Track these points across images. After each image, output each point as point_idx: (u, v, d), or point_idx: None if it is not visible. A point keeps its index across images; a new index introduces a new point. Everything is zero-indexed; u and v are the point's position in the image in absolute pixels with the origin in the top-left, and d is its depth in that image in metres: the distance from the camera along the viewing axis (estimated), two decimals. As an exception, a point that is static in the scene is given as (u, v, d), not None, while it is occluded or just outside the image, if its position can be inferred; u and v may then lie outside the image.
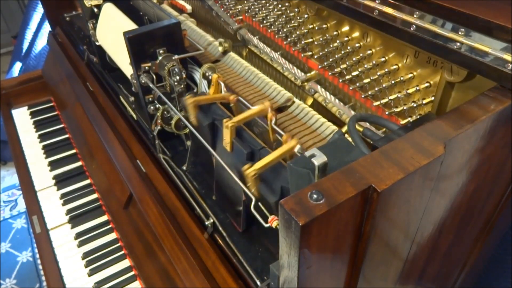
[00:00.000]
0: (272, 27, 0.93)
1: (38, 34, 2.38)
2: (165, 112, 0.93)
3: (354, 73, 0.76)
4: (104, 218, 1.16)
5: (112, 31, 1.06)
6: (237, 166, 0.71)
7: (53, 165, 1.34)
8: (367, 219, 0.44)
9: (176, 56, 0.87)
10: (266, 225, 0.60)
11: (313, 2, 0.78)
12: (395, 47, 0.69)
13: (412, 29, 0.60)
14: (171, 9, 1.29)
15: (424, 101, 0.67)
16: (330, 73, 0.82)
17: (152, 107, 0.93)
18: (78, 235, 1.12)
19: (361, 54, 0.75)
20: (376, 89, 0.72)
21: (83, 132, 1.32)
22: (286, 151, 0.64)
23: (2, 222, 2.14)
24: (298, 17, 0.86)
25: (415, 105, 0.68)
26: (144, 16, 1.05)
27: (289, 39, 0.89)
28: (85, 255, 1.07)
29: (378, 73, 0.72)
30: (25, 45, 2.44)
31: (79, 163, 1.35)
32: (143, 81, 0.89)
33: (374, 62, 0.73)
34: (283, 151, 0.64)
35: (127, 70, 0.97)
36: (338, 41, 0.78)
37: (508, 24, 0.50)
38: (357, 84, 0.76)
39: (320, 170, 0.50)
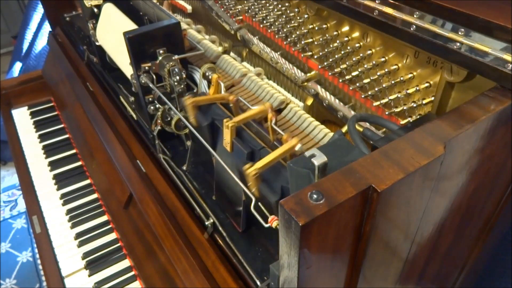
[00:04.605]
0: (272, 27, 0.93)
1: (38, 34, 2.38)
2: (165, 112, 0.93)
3: (354, 73, 0.76)
4: (104, 218, 1.16)
5: (112, 31, 1.06)
6: (238, 166, 0.71)
7: (53, 165, 1.34)
8: (367, 219, 0.44)
9: (176, 56, 0.87)
10: (266, 225, 0.60)
11: (313, 2, 0.78)
12: (395, 47, 0.69)
13: (412, 29, 0.60)
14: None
15: (424, 101, 0.67)
16: (330, 73, 0.82)
17: (152, 107, 0.93)
18: (78, 235, 1.12)
19: (361, 54, 0.75)
20: (376, 89, 0.72)
21: (83, 132, 1.32)
22: (287, 150, 0.64)
23: (2, 222, 2.14)
24: (298, 17, 0.86)
25: (415, 105, 0.68)
26: (144, 16, 1.04)
27: (289, 39, 0.89)
28: (85, 255, 1.07)
29: (378, 73, 0.72)
30: (25, 45, 2.44)
31: (79, 163, 1.35)
32: (143, 81, 0.89)
33: (374, 62, 0.73)
34: (284, 150, 0.64)
35: (127, 70, 0.97)
36: (338, 41, 0.78)
37: (508, 24, 0.50)
38: (357, 84, 0.76)
39: (320, 170, 0.50)
